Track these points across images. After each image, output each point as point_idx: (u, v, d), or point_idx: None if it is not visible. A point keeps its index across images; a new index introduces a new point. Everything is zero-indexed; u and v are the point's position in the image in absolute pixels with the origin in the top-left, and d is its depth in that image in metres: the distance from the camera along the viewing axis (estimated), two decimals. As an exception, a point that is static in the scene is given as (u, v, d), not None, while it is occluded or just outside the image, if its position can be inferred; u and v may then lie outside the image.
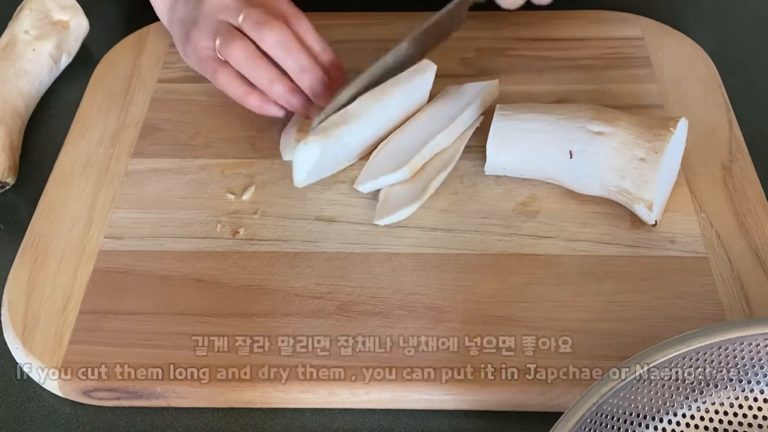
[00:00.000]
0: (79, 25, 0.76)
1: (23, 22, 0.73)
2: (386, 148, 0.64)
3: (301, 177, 0.62)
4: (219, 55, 0.63)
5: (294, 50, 0.62)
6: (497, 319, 0.56)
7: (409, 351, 0.54)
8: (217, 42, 0.62)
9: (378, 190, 0.63)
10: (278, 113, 0.64)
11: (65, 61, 0.75)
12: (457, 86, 0.68)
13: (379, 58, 0.64)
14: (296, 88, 0.63)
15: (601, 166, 0.59)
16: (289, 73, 0.62)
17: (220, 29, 0.63)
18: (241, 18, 0.62)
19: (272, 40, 0.61)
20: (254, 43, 0.62)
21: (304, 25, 0.64)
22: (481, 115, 0.67)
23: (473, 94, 0.67)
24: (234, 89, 0.63)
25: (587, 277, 0.58)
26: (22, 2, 0.75)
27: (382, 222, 0.61)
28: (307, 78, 0.62)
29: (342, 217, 0.62)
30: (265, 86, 0.62)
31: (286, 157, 0.65)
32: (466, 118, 0.65)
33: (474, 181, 0.64)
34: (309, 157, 0.61)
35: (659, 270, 0.58)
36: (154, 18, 0.77)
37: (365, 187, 0.62)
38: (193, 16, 0.65)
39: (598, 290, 0.57)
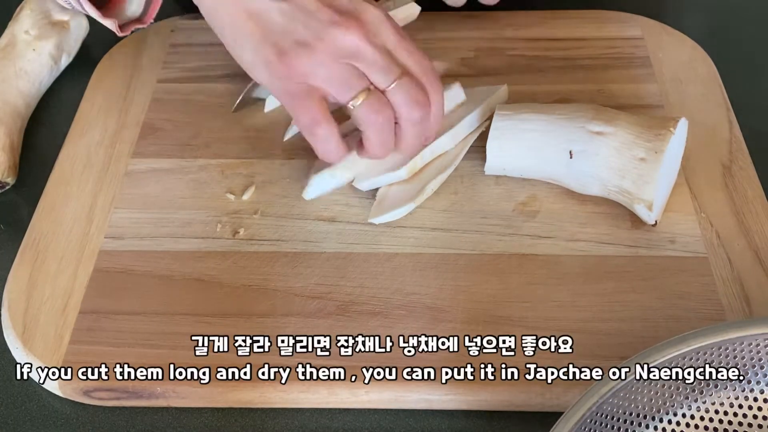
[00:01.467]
0: (79, 25, 0.76)
1: (23, 22, 0.73)
2: None
3: (314, 194, 0.63)
4: (349, 107, 0.55)
5: (426, 133, 0.58)
6: (497, 319, 0.56)
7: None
8: (355, 102, 0.54)
9: (377, 190, 0.63)
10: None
11: (65, 61, 0.75)
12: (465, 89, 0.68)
13: None
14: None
15: (601, 166, 0.59)
16: (399, 140, 0.58)
17: (352, 81, 0.54)
18: (393, 85, 0.54)
19: (417, 119, 0.56)
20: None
21: (435, 94, 0.57)
22: (487, 119, 0.66)
23: (480, 97, 0.67)
24: (334, 153, 0.58)
25: (587, 277, 0.58)
26: (22, 2, 0.75)
27: (376, 221, 0.61)
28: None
29: (342, 217, 0.62)
30: (374, 154, 0.58)
31: (309, 195, 0.63)
32: (470, 122, 0.65)
33: (474, 181, 0.64)
34: (331, 183, 0.62)
35: (659, 270, 0.58)
36: (155, 18, 0.78)
37: (363, 185, 0.62)
38: (300, 27, 0.53)
39: (598, 290, 0.57)
